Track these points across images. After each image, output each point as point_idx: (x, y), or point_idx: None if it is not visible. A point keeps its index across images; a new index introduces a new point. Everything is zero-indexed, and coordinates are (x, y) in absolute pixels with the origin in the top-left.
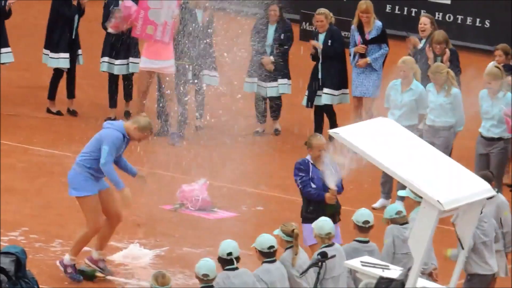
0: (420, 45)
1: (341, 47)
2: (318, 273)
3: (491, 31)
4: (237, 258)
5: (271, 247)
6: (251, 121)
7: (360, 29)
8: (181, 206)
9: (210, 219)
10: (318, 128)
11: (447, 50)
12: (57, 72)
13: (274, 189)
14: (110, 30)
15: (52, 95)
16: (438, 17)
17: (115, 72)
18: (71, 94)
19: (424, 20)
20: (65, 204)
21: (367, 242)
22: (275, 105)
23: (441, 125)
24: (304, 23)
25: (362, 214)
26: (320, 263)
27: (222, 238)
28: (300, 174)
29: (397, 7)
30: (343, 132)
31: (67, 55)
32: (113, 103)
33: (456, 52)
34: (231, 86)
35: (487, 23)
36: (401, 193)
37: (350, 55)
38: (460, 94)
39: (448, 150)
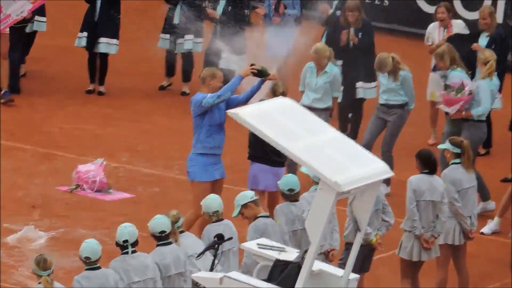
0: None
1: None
2: (215, 256)
3: None
4: (134, 243)
5: (162, 231)
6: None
7: None
8: (77, 187)
9: (106, 201)
10: None
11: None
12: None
13: (170, 170)
14: None
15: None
16: None
17: None
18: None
19: None
20: None
21: (268, 216)
22: (186, 65)
23: (395, 103)
24: None
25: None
26: (216, 246)
27: (118, 219)
28: None
29: None
30: (242, 113)
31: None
32: None
33: (369, 24)
34: None
35: None
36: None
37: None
38: (408, 75)
39: (400, 127)
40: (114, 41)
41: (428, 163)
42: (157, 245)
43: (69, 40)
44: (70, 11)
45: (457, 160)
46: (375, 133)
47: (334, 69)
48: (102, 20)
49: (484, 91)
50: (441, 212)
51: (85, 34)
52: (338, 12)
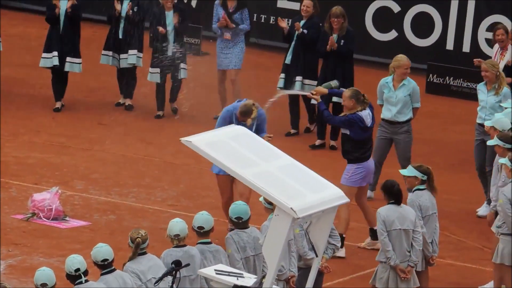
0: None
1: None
2: (172, 282)
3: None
4: (85, 272)
5: (105, 260)
6: None
7: (224, 5)
8: (33, 215)
9: (62, 228)
10: None
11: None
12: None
13: (126, 197)
14: None
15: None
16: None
17: None
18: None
19: (307, 3)
20: None
21: (209, 243)
22: (128, 81)
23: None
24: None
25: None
26: (174, 272)
27: (75, 247)
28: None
29: None
30: (196, 140)
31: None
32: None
33: (352, 33)
34: None
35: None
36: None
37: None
38: (509, 93)
39: None
40: (77, 60)
41: (392, 194)
42: (101, 274)
43: (15, 70)
44: (16, 42)
45: (422, 187)
46: (480, 156)
47: (411, 81)
48: (66, 39)
49: None
50: (414, 241)
51: (55, 53)
52: (305, 31)
